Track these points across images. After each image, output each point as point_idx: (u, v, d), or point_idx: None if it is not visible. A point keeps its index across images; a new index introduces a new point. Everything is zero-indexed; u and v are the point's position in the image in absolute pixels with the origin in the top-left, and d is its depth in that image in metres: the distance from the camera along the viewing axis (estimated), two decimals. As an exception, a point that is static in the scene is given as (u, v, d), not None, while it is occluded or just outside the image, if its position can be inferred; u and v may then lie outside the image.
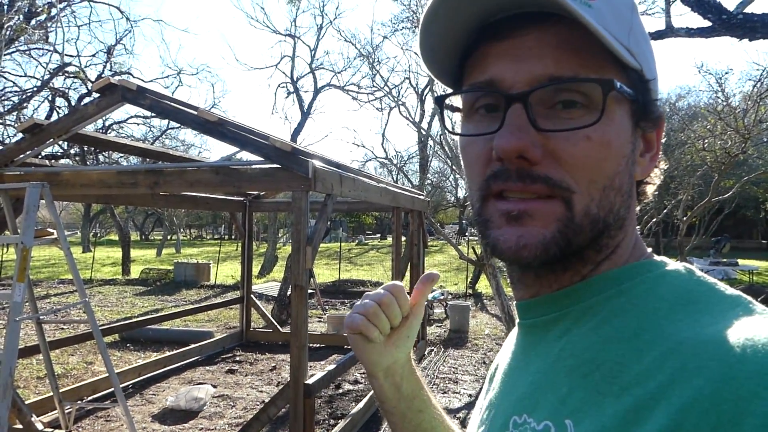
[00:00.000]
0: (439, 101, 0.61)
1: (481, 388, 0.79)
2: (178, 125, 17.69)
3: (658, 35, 3.84)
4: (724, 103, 9.72)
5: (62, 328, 10.12)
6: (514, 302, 0.65)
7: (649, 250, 0.60)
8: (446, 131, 0.65)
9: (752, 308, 0.47)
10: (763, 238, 34.41)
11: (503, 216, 0.53)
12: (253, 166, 4.28)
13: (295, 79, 20.23)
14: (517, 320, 0.66)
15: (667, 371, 0.43)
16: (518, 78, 0.52)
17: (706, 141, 9.54)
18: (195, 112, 4.41)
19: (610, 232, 0.55)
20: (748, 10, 3.72)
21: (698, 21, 3.68)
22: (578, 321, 0.55)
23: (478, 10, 0.53)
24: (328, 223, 4.47)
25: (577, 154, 0.51)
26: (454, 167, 11.20)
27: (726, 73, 13.83)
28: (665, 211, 11.30)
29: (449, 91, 0.61)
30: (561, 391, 0.51)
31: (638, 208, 0.62)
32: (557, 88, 0.52)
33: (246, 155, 4.57)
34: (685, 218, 10.76)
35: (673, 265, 0.56)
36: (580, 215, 0.52)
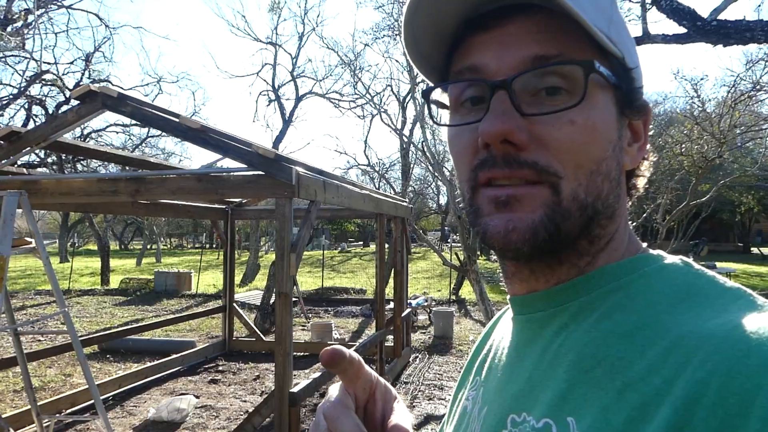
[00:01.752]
0: (426, 95, 0.61)
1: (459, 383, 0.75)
2: (159, 133, 17.57)
3: (635, 42, 3.92)
4: (700, 108, 9.92)
5: (39, 340, 9.93)
6: (509, 296, 0.64)
7: (645, 244, 0.60)
8: (433, 122, 0.65)
9: (754, 301, 0.47)
10: (739, 241, 35.07)
11: (492, 203, 0.53)
12: (236, 174, 4.26)
13: (276, 86, 20.17)
14: (511, 315, 0.65)
15: (671, 366, 0.43)
16: (502, 64, 0.53)
17: (684, 145, 9.72)
18: (177, 120, 4.38)
19: (601, 220, 0.55)
20: (721, 17, 3.81)
21: (674, 27, 3.75)
22: (576, 317, 0.54)
23: (457, 6, 0.54)
24: (311, 230, 4.46)
25: (563, 138, 0.51)
26: (436, 174, 11.24)
27: (701, 79, 14.12)
28: (644, 215, 11.47)
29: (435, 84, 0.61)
30: (560, 387, 0.50)
31: (630, 204, 0.62)
32: (541, 73, 0.52)
33: (228, 163, 4.55)
34: (664, 222, 10.93)
35: (670, 258, 0.56)
36: (568, 200, 0.52)
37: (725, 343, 0.42)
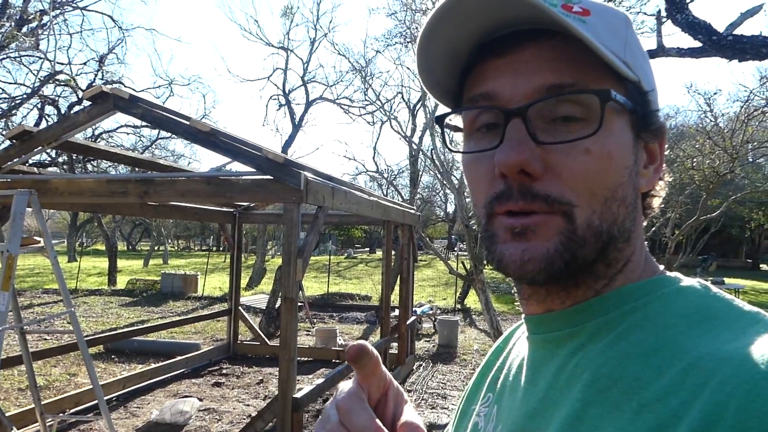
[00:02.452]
0: (439, 121, 0.61)
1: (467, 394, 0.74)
2: (168, 135, 17.65)
3: (649, 54, 3.89)
4: (713, 123, 9.86)
5: (45, 339, 9.96)
6: (524, 316, 0.63)
7: (662, 267, 0.60)
8: (447, 149, 0.66)
9: None
10: (748, 257, 34.76)
11: (508, 232, 0.53)
12: (245, 177, 4.26)
13: (287, 91, 20.25)
14: (524, 333, 0.65)
15: (688, 388, 0.43)
16: (517, 92, 0.53)
17: (695, 160, 9.66)
18: (187, 122, 4.39)
19: (617, 244, 0.55)
20: (737, 31, 3.79)
21: (689, 41, 3.73)
22: (593, 337, 0.54)
23: (471, 31, 0.54)
24: (318, 235, 4.45)
25: (577, 167, 0.51)
26: (444, 182, 11.22)
27: (714, 93, 14.04)
28: (653, 228, 11.40)
29: (448, 110, 0.61)
30: (575, 407, 0.49)
31: (645, 223, 0.62)
32: (557, 101, 0.52)
33: (236, 166, 4.56)
34: (673, 236, 10.85)
35: (687, 281, 0.55)
36: (582, 228, 0.52)
37: (744, 366, 0.41)
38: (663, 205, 0.63)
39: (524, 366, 0.61)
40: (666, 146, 0.62)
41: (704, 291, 0.53)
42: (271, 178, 4.11)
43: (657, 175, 0.60)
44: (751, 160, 11.92)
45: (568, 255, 0.52)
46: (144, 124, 16.06)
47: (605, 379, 0.49)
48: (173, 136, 17.23)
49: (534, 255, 0.52)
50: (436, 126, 0.64)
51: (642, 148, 0.57)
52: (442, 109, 0.63)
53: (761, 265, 33.26)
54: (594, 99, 0.51)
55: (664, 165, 0.61)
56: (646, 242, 0.61)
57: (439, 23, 0.53)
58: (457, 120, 0.61)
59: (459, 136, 0.61)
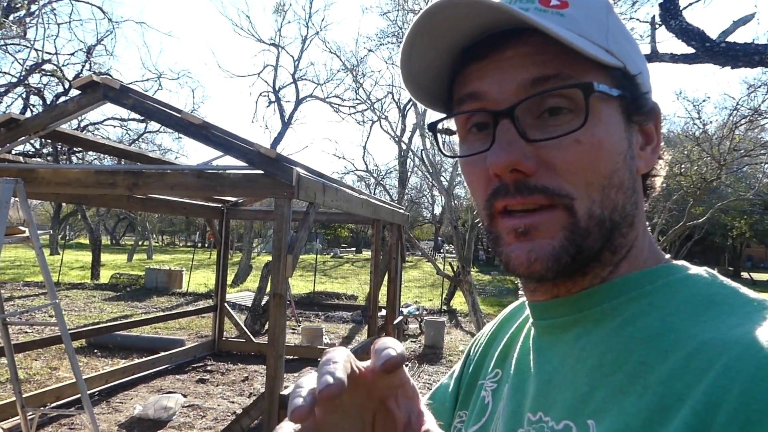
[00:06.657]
0: (432, 128, 0.62)
1: (464, 366, 0.72)
2: (156, 129, 17.49)
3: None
4: (701, 129, 9.98)
5: (25, 332, 9.82)
6: (528, 302, 0.64)
7: (668, 255, 0.60)
8: (443, 154, 0.66)
9: None
10: (730, 264, 35.23)
11: (512, 232, 0.54)
12: (236, 171, 4.23)
13: (277, 88, 20.19)
14: (527, 316, 0.65)
15: (693, 371, 0.43)
16: (503, 90, 0.53)
17: (683, 166, 9.77)
18: (179, 115, 4.34)
19: (621, 230, 0.55)
20: (729, 39, 3.82)
21: (682, 47, 3.76)
22: (599, 322, 0.54)
23: (451, 41, 0.55)
24: (308, 232, 4.43)
25: (569, 158, 0.52)
26: (433, 183, 11.24)
27: (703, 100, 14.21)
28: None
29: (441, 116, 0.62)
30: (581, 391, 0.51)
31: (646, 205, 0.62)
32: (542, 97, 0.52)
33: (227, 161, 4.51)
34: (658, 242, 10.96)
35: (695, 269, 0.56)
36: (585, 219, 0.52)
37: (749, 351, 0.42)
38: (650, 211, 0.63)
39: (530, 350, 0.62)
40: (662, 123, 0.62)
41: (711, 279, 0.54)
42: (263, 172, 4.08)
43: (655, 154, 0.60)
44: (735, 168, 12.08)
45: (574, 249, 0.52)
46: (132, 116, 15.92)
47: (611, 364, 0.50)
48: (161, 129, 17.10)
49: (540, 255, 0.52)
50: (430, 132, 0.64)
51: (636, 131, 0.58)
52: (434, 115, 0.63)
53: (743, 273, 33.72)
54: (578, 92, 0.51)
55: (662, 143, 0.61)
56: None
57: (418, 38, 0.54)
58: (450, 123, 0.62)
59: (455, 138, 0.62)
